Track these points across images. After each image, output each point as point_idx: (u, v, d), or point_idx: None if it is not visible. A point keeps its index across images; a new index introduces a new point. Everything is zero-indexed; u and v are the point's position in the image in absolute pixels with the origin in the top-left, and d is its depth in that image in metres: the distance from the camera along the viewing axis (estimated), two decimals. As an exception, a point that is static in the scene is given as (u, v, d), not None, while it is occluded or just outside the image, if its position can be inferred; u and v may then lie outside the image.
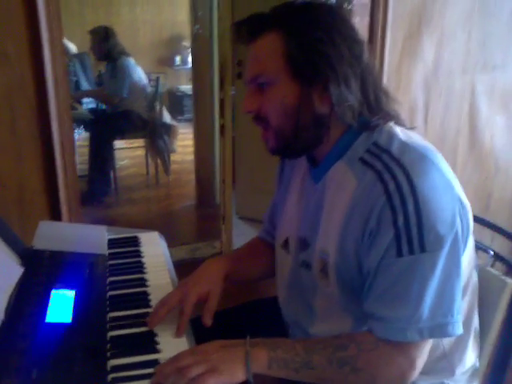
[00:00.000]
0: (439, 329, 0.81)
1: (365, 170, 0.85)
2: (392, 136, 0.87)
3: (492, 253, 1.11)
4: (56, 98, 1.58)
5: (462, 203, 0.84)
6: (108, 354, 0.85)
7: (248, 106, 0.90)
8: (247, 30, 0.89)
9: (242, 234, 2.99)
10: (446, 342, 0.94)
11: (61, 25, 1.60)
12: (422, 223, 0.78)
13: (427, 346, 0.84)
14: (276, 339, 0.86)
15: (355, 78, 0.85)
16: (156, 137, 3.93)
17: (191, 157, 3.97)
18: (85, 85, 4.66)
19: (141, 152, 4.41)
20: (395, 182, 0.80)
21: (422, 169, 0.81)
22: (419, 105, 1.98)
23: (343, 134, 0.90)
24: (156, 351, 0.88)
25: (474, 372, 1.02)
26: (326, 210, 0.93)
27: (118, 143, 4.17)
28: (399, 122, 0.91)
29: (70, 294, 0.99)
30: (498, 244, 1.15)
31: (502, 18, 2.03)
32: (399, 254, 0.80)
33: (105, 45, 3.75)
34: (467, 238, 0.86)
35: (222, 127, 2.70)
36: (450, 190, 0.82)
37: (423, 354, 0.84)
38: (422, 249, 0.78)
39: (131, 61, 3.98)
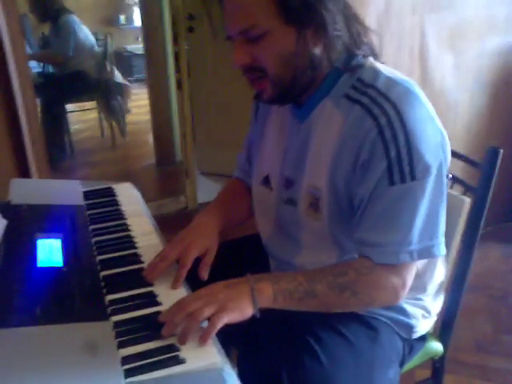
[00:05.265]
0: (427, 250, 0.87)
1: (351, 105, 0.87)
2: (376, 72, 0.89)
3: (451, 176, 1.20)
4: (14, 57, 1.56)
5: (442, 134, 0.88)
6: (104, 290, 0.89)
7: (240, 59, 0.87)
8: None
9: (205, 189, 3.02)
10: (420, 263, 1.00)
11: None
12: (412, 154, 0.82)
13: (415, 267, 0.91)
14: (277, 273, 0.88)
15: (339, 14, 0.85)
16: (109, 97, 3.85)
17: (146, 117, 3.93)
18: (26, 49, 4.45)
19: (94, 115, 4.33)
20: (386, 116, 0.82)
21: (409, 102, 0.84)
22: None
23: (328, 74, 0.91)
24: (150, 285, 0.91)
25: (440, 285, 1.11)
26: (312, 148, 0.94)
27: (70, 107, 4.08)
28: (376, 55, 0.93)
29: (57, 242, 1.02)
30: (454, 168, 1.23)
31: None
32: (391, 183, 0.83)
33: (43, 3, 3.58)
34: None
35: (179, 81, 2.68)
36: (433, 122, 0.86)
37: (412, 274, 0.90)
38: (413, 177, 0.83)
39: (74, 18, 3.82)
